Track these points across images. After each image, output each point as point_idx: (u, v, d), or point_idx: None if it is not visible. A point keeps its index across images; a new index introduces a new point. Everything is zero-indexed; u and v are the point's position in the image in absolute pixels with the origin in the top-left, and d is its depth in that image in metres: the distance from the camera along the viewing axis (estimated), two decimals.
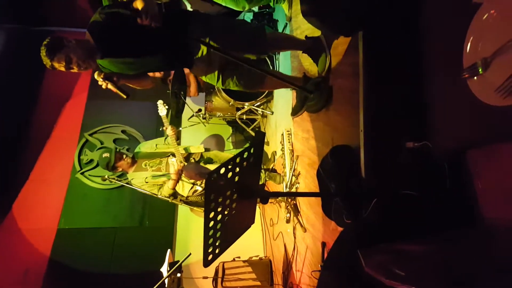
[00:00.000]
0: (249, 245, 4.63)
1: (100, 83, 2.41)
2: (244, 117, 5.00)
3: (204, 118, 5.02)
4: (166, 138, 4.14)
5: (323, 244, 2.70)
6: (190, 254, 3.47)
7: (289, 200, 3.43)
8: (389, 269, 1.15)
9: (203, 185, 3.82)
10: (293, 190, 3.44)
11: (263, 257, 4.29)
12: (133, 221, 5.11)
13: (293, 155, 3.59)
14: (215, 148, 5.22)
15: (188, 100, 4.78)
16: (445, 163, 1.53)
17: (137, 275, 4.48)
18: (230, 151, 5.24)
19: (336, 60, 2.53)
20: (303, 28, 3.24)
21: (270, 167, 4.39)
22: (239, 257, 4.02)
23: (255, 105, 4.79)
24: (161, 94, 4.34)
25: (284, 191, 3.70)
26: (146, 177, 3.88)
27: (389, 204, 1.71)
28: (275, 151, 4.41)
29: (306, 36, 2.81)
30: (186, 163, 3.92)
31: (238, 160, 1.46)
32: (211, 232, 1.49)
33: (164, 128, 3.99)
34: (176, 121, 5.02)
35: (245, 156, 1.49)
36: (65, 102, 5.72)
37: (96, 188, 5.23)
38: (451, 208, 1.49)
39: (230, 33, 2.53)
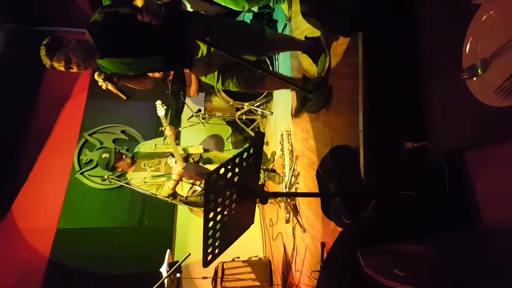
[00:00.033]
0: (248, 245, 4.63)
1: (100, 83, 2.41)
2: (244, 117, 5.01)
3: (203, 118, 5.02)
4: (165, 138, 4.14)
5: (323, 245, 2.70)
6: (189, 254, 3.47)
7: (289, 200, 3.43)
8: (388, 269, 1.16)
9: (202, 185, 3.83)
10: (293, 190, 3.44)
11: (263, 257, 4.29)
12: (133, 221, 5.10)
13: (292, 156, 3.59)
14: (215, 148, 5.23)
15: (187, 100, 4.79)
16: (445, 164, 1.54)
17: (137, 275, 4.48)
18: (229, 151, 5.23)
19: (335, 60, 2.54)
20: (302, 29, 3.24)
21: (270, 168, 4.39)
22: (238, 257, 4.02)
23: (255, 105, 4.79)
24: (160, 94, 4.34)
25: (284, 191, 3.70)
26: (145, 177, 3.88)
27: (388, 204, 1.71)
28: (275, 152, 4.42)
29: (305, 37, 2.81)
30: (185, 164, 3.92)
31: (237, 160, 1.46)
32: (210, 232, 1.49)
33: (163, 128, 3.99)
34: (175, 121, 5.02)
35: (244, 156, 1.49)
36: (65, 102, 5.72)
37: (96, 188, 5.22)
38: (451, 209, 1.50)
39: (230, 33, 2.53)
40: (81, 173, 5.28)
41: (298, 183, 3.40)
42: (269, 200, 3.57)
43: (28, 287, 4.48)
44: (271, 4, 3.82)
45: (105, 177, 3.71)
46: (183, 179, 3.88)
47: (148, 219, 5.13)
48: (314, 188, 2.79)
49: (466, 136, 1.54)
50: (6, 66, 5.16)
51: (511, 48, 1.22)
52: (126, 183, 3.85)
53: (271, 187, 4.29)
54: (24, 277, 4.49)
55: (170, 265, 3.59)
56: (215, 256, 1.57)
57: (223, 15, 4.21)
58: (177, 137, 5.00)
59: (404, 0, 1.88)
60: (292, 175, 3.46)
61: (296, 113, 3.23)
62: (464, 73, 1.37)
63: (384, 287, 1.12)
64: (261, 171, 4.19)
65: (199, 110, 5.06)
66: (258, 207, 4.78)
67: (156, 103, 4.03)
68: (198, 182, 3.82)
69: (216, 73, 2.68)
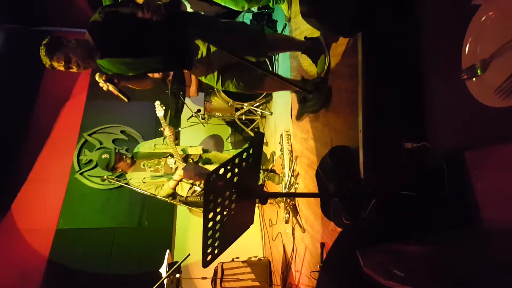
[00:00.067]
0: (248, 245, 4.64)
1: (101, 85, 2.40)
2: (243, 117, 5.01)
3: (203, 119, 5.02)
4: (164, 139, 4.14)
5: (322, 245, 2.70)
6: (189, 254, 3.47)
7: (288, 200, 3.44)
8: (388, 269, 1.16)
9: (202, 185, 3.82)
10: (292, 190, 3.44)
11: (262, 258, 4.29)
12: (132, 222, 5.10)
13: (292, 156, 3.59)
14: (214, 149, 5.23)
15: (187, 100, 4.79)
16: (444, 164, 1.54)
17: (136, 276, 4.48)
18: (229, 152, 5.24)
19: (335, 61, 2.54)
20: (302, 29, 3.24)
21: (269, 168, 4.39)
22: (238, 258, 4.03)
23: (254, 105, 4.79)
24: (160, 94, 4.34)
25: (283, 191, 3.71)
26: (144, 177, 3.88)
27: (388, 204, 1.71)
28: (274, 152, 4.42)
29: (305, 37, 2.81)
30: (184, 164, 3.92)
31: (237, 160, 1.46)
32: (210, 233, 1.49)
33: (162, 129, 3.99)
34: (175, 121, 5.03)
35: (244, 156, 1.49)
36: (65, 102, 5.72)
37: (95, 189, 5.22)
38: (450, 209, 1.50)
39: (230, 34, 2.53)
40: (81, 173, 5.28)
41: (297, 184, 3.40)
42: (269, 201, 3.57)
43: (27, 287, 4.48)
44: (270, 5, 3.82)
45: (105, 177, 3.71)
46: (183, 179, 3.88)
47: (148, 219, 5.13)
48: (314, 189, 2.79)
49: (465, 136, 1.54)
50: (6, 66, 5.16)
51: (511, 49, 1.22)
52: (126, 183, 3.85)
53: (271, 187, 4.29)
54: (24, 277, 4.49)
55: (170, 265, 3.59)
56: (214, 257, 1.57)
57: (222, 15, 4.21)
58: (176, 137, 5.01)
59: (404, 0, 1.89)
60: (291, 175, 3.46)
61: (298, 117, 3.23)
62: (463, 73, 1.37)
63: (383, 287, 1.12)
64: (261, 171, 4.19)
65: (199, 110, 5.06)
66: (258, 208, 4.78)
67: (155, 104, 4.03)
68: (197, 183, 3.82)
69: (216, 74, 2.68)
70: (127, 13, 2.32)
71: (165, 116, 4.05)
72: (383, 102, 1.99)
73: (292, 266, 3.46)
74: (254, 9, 4.25)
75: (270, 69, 4.24)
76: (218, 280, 3.86)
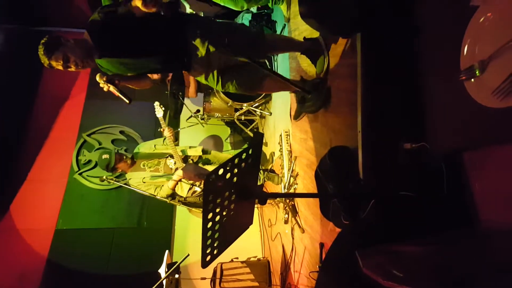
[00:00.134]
0: (247, 246, 4.64)
1: (101, 85, 2.40)
2: (243, 118, 5.01)
3: (202, 119, 5.02)
4: (164, 139, 4.14)
5: (321, 245, 2.70)
6: (188, 255, 3.47)
7: (287, 201, 3.44)
8: (387, 270, 1.16)
9: (201, 186, 3.82)
10: (291, 191, 3.44)
11: (261, 258, 4.29)
12: (131, 222, 5.10)
13: (291, 156, 3.59)
14: (213, 149, 5.23)
15: (186, 100, 4.79)
16: (443, 164, 1.54)
17: (135, 276, 4.48)
18: (228, 152, 5.24)
19: (334, 61, 2.54)
20: (301, 29, 3.24)
21: (269, 168, 4.39)
22: (237, 258, 4.02)
23: (254, 106, 4.79)
24: (159, 94, 4.34)
25: (282, 192, 3.71)
26: (144, 177, 3.88)
27: (387, 205, 1.71)
28: (274, 152, 4.42)
29: (304, 38, 2.81)
30: (184, 164, 3.92)
31: (236, 161, 1.46)
32: (209, 233, 1.49)
33: (162, 129, 3.99)
34: (174, 121, 5.02)
35: (243, 157, 1.49)
36: (64, 102, 5.71)
37: (94, 189, 5.22)
38: (449, 209, 1.50)
39: (230, 34, 2.53)
40: (80, 174, 5.28)
41: (297, 184, 3.40)
42: (268, 201, 3.57)
43: (26, 287, 4.48)
44: (270, 5, 3.82)
45: (104, 177, 3.71)
46: (183, 180, 3.88)
47: (147, 219, 5.13)
48: (313, 189, 2.79)
49: (464, 137, 1.55)
50: (5, 66, 5.16)
51: (509, 50, 1.22)
52: (125, 184, 3.85)
53: (270, 187, 4.29)
54: (23, 277, 4.49)
55: (169, 265, 3.58)
56: (214, 257, 1.57)
57: (221, 15, 4.21)
58: (176, 138, 5.00)
59: (404, 0, 1.89)
60: (290, 175, 3.47)
61: (295, 116, 3.23)
62: (462, 74, 1.38)
63: None
64: (260, 171, 4.19)
65: (198, 111, 5.06)
66: (257, 208, 4.78)
67: (154, 104, 4.03)
68: (197, 183, 3.82)
69: (215, 75, 2.68)
70: (126, 13, 2.33)
71: (164, 116, 4.05)
72: (382, 102, 1.99)
73: (291, 267, 3.46)
74: (253, 9, 4.26)
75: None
76: (217, 281, 3.86)
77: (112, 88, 2.40)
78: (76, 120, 5.61)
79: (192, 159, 4.14)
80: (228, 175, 1.45)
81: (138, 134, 5.64)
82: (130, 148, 5.18)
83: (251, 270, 3.93)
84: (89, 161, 5.38)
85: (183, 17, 2.61)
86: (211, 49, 2.51)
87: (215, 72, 2.65)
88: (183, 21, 2.52)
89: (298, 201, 3.36)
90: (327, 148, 2.44)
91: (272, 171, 4.28)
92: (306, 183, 3.16)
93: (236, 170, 1.48)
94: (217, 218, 1.50)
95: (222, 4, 3.55)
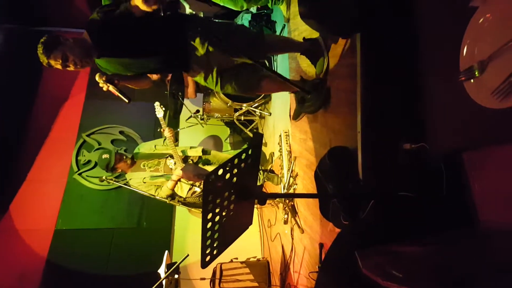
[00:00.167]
0: (247, 246, 4.64)
1: (101, 85, 2.39)
2: (242, 118, 5.01)
3: (202, 119, 5.02)
4: (165, 140, 4.14)
5: (321, 245, 2.70)
6: (187, 255, 3.47)
7: (287, 201, 3.44)
8: (386, 270, 1.16)
9: (201, 186, 3.82)
10: (291, 191, 3.44)
11: (261, 258, 4.29)
12: (131, 222, 5.10)
13: (290, 156, 3.59)
14: (213, 149, 5.22)
15: (186, 101, 4.78)
16: (442, 165, 1.54)
17: (135, 276, 4.48)
18: (228, 152, 5.24)
19: (334, 61, 2.54)
20: (301, 30, 3.25)
21: (268, 168, 4.39)
22: (236, 258, 4.02)
23: (253, 106, 4.79)
24: (159, 95, 4.33)
25: (282, 192, 3.71)
26: (144, 178, 3.88)
27: (386, 205, 1.71)
28: (273, 152, 4.42)
29: (304, 38, 2.81)
30: (184, 165, 3.92)
31: (236, 161, 1.46)
32: (209, 233, 1.49)
33: (162, 130, 3.98)
34: (174, 122, 5.02)
35: (243, 157, 1.49)
36: (63, 102, 5.71)
37: (94, 189, 5.22)
38: (449, 209, 1.50)
39: (229, 35, 2.53)
40: (79, 174, 5.28)
41: (296, 184, 3.40)
42: (268, 201, 3.57)
43: (26, 287, 4.48)
44: (269, 5, 3.83)
45: (104, 177, 3.71)
46: (183, 180, 3.88)
47: (146, 220, 5.13)
48: (312, 189, 2.79)
49: (463, 137, 1.55)
50: (5, 66, 5.16)
51: (508, 50, 1.22)
52: (125, 184, 3.85)
53: (270, 188, 4.29)
54: (23, 277, 4.48)
55: (168, 266, 3.58)
56: (213, 257, 1.57)
57: (221, 16, 4.21)
58: (176, 138, 5.00)
59: (404, 0, 1.89)
60: (290, 176, 3.47)
61: (295, 116, 3.23)
62: (461, 75, 1.38)
63: None
64: (260, 172, 4.19)
65: (198, 111, 5.06)
66: (257, 208, 4.78)
67: (155, 105, 4.03)
68: (197, 183, 3.82)
69: (214, 76, 2.67)
70: (126, 12, 2.33)
71: (164, 117, 4.05)
72: (382, 102, 1.99)
73: (290, 267, 3.46)
74: (253, 9, 4.26)
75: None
76: (217, 281, 3.86)
77: (111, 88, 2.39)
78: (76, 120, 5.60)
79: (192, 160, 4.14)
80: (227, 176, 1.45)
81: (137, 135, 5.64)
82: (129, 148, 5.18)
83: (251, 271, 3.93)
84: (89, 161, 5.38)
85: (183, 17, 2.61)
86: (211, 49, 2.51)
87: (214, 73, 2.64)
88: (183, 21, 2.52)
89: (298, 202, 3.36)
90: (327, 149, 2.44)
91: (272, 171, 4.28)
92: (305, 183, 3.16)
93: (235, 171, 1.48)
94: (217, 218, 1.50)
95: (221, 4, 3.55)
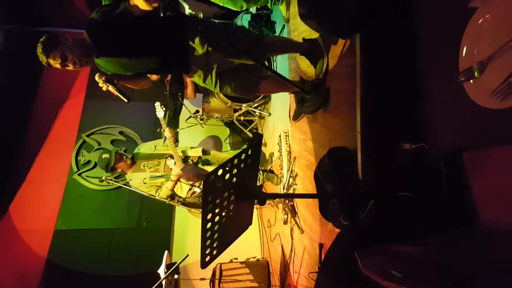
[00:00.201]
0: (246, 246, 4.63)
1: (100, 85, 2.39)
2: (242, 118, 5.01)
3: (201, 120, 5.02)
4: (165, 140, 4.14)
5: (321, 246, 2.70)
6: (187, 255, 3.47)
7: (287, 201, 3.44)
8: (386, 270, 1.16)
9: (201, 186, 3.82)
10: (291, 191, 3.44)
11: (261, 259, 4.29)
12: (131, 222, 5.10)
13: (290, 157, 3.59)
14: (212, 150, 5.23)
15: (185, 101, 4.78)
16: (442, 165, 1.54)
17: (134, 277, 4.47)
18: (228, 152, 5.24)
19: (333, 61, 2.54)
20: (300, 30, 3.25)
21: (268, 169, 4.39)
22: (236, 259, 4.02)
23: (253, 106, 4.79)
24: (159, 95, 4.33)
25: (282, 192, 3.71)
26: (144, 178, 3.88)
27: (386, 205, 1.71)
28: (273, 153, 4.42)
29: (303, 38, 2.82)
30: (184, 165, 3.92)
31: (235, 161, 1.46)
32: (208, 234, 1.49)
33: (162, 130, 3.98)
34: (173, 122, 5.02)
35: (242, 158, 1.49)
36: (63, 102, 5.71)
37: (93, 189, 5.22)
38: (449, 209, 1.50)
39: (230, 35, 2.53)
40: (79, 174, 5.28)
41: (296, 184, 3.40)
42: (267, 201, 3.57)
43: None
44: (269, 5, 3.83)
45: (103, 178, 3.71)
46: (182, 180, 3.88)
47: (146, 220, 5.13)
48: (312, 189, 2.79)
49: (463, 137, 1.55)
50: (5, 66, 5.16)
51: (508, 51, 1.22)
52: (125, 184, 3.85)
53: (270, 188, 4.29)
54: (23, 278, 4.48)
55: (168, 266, 3.58)
56: (213, 257, 1.57)
57: (221, 16, 4.21)
58: (176, 139, 5.00)
59: (404, 0, 1.89)
60: (290, 176, 3.47)
61: (294, 117, 3.23)
62: (461, 75, 1.38)
63: None
64: (260, 172, 4.19)
65: (197, 111, 5.06)
66: (256, 208, 4.78)
67: (156, 105, 4.03)
68: (197, 184, 3.82)
69: (214, 77, 2.67)
70: (125, 12, 2.33)
71: (164, 117, 4.04)
72: (382, 103, 1.99)
73: (290, 267, 3.46)
74: (253, 10, 4.26)
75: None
76: (217, 281, 3.85)
77: (111, 88, 2.40)
78: (76, 121, 5.60)
79: (191, 160, 4.14)
80: (227, 176, 1.45)
81: (137, 135, 5.64)
82: (129, 148, 5.18)
83: (250, 271, 3.93)
84: (89, 161, 5.38)
85: (182, 17, 2.61)
86: (210, 50, 2.51)
87: (213, 74, 2.64)
88: (183, 21, 2.52)
89: (297, 202, 3.36)
90: (326, 149, 2.44)
91: (271, 171, 4.28)
92: (305, 183, 3.16)
93: (235, 171, 1.48)
94: (217, 218, 1.50)
95: (221, 4, 3.55)
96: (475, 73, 1.32)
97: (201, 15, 4.26)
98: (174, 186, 3.82)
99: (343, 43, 2.38)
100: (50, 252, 4.70)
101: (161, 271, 3.54)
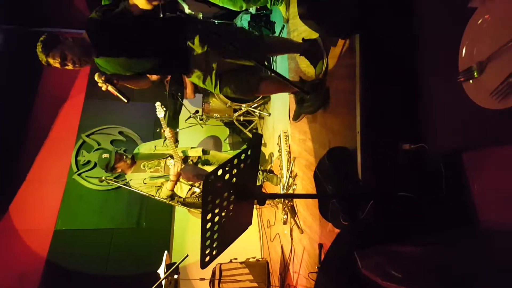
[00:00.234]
0: (246, 246, 4.63)
1: (100, 85, 2.39)
2: (242, 118, 5.01)
3: (201, 120, 5.02)
4: (165, 140, 4.14)
5: (320, 246, 2.70)
6: (187, 255, 3.47)
7: (286, 201, 3.44)
8: (385, 270, 1.16)
9: (200, 186, 3.83)
10: (290, 191, 3.44)
11: (260, 259, 4.29)
12: (130, 222, 5.10)
13: (290, 157, 3.59)
14: (212, 150, 5.23)
15: (185, 101, 4.78)
16: (442, 165, 1.54)
17: (134, 277, 4.47)
18: (227, 152, 5.24)
19: (333, 62, 2.54)
20: (300, 30, 3.25)
21: (268, 169, 4.39)
22: (236, 259, 4.02)
23: (252, 106, 4.79)
24: (158, 95, 4.33)
25: (281, 192, 3.71)
26: (144, 178, 3.88)
27: (386, 205, 1.71)
28: (272, 153, 4.42)
29: (303, 39, 2.82)
30: (184, 165, 3.92)
31: (235, 162, 1.46)
32: (208, 234, 1.49)
33: (162, 130, 3.98)
34: (173, 122, 5.02)
35: (242, 158, 1.49)
36: (63, 102, 5.71)
37: (93, 189, 5.22)
38: (449, 210, 1.50)
39: (230, 36, 2.53)
40: (79, 174, 5.28)
41: (295, 184, 3.40)
42: (267, 202, 3.57)
43: None
44: (268, 6, 3.83)
45: (103, 178, 3.71)
46: (182, 180, 3.89)
47: (146, 220, 5.13)
48: (312, 190, 2.79)
49: (463, 138, 1.55)
50: (5, 66, 5.16)
51: (507, 51, 1.22)
52: (125, 184, 3.85)
53: (269, 188, 4.29)
54: (23, 277, 4.48)
55: (168, 266, 3.58)
56: (213, 258, 1.57)
57: (220, 16, 4.21)
58: (176, 139, 5.00)
59: (403, 0, 1.89)
60: (289, 176, 3.47)
61: (294, 117, 3.23)
62: (460, 75, 1.38)
63: None
64: (259, 172, 4.19)
65: (197, 111, 5.06)
66: (256, 209, 4.78)
67: (156, 105, 4.02)
68: (197, 184, 3.82)
69: (213, 78, 2.66)
70: (124, 12, 2.33)
71: (164, 117, 4.04)
72: (381, 103, 1.99)
73: (290, 267, 3.46)
74: (252, 10, 4.26)
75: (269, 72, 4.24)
76: (216, 281, 3.85)
77: (110, 88, 2.40)
78: (75, 121, 5.61)
79: (191, 160, 4.14)
80: (227, 176, 1.45)
81: (137, 135, 5.64)
82: (129, 148, 5.17)
83: (250, 271, 3.93)
84: (88, 161, 5.38)
85: (182, 17, 2.61)
86: (210, 51, 2.51)
87: (213, 75, 2.63)
88: (183, 21, 2.52)
89: (297, 202, 3.36)
90: (326, 149, 2.44)
91: (271, 171, 4.28)
92: (305, 183, 3.16)
93: (235, 171, 1.48)
94: (216, 218, 1.50)
95: (220, 4, 3.55)
96: (475, 74, 1.33)
97: (201, 16, 4.26)
98: (174, 186, 3.82)
99: (343, 43, 2.38)
100: (50, 252, 4.70)
101: (161, 271, 3.55)
